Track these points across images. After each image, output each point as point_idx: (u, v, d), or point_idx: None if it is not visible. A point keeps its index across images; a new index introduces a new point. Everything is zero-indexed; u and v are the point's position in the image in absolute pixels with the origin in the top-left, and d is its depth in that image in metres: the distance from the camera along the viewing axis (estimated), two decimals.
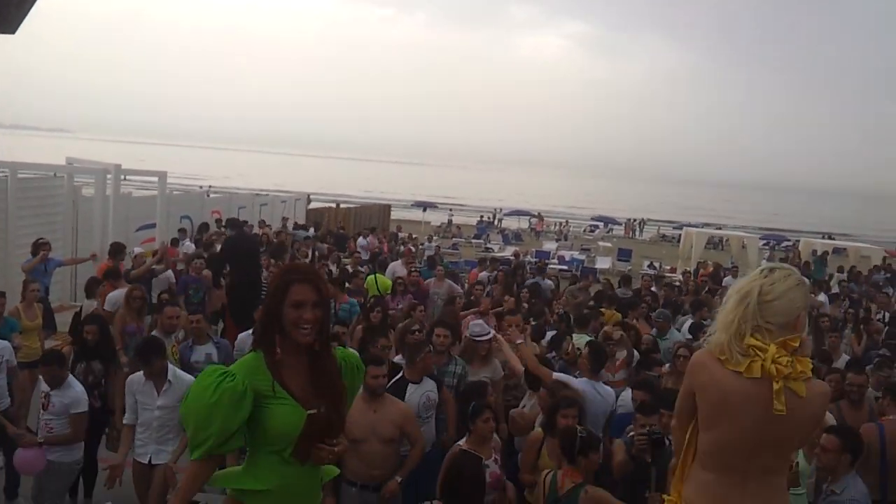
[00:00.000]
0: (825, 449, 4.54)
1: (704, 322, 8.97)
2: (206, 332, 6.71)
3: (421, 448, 5.15)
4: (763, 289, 2.45)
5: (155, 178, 15.71)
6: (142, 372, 5.35)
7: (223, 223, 15.62)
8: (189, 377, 5.42)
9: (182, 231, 15.02)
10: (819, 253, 25.89)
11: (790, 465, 2.64)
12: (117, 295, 8.38)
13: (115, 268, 9.34)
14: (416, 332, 6.82)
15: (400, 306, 9.49)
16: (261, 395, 2.67)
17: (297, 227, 22.30)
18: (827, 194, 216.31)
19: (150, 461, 5.29)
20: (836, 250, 30.18)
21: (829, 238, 36.69)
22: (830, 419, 5.44)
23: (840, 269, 22.25)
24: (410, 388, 5.70)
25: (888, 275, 22.65)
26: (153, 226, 14.61)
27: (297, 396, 2.69)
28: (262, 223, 19.70)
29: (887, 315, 12.16)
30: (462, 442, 4.88)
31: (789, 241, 38.21)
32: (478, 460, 4.27)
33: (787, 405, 2.37)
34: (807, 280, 2.65)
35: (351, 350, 3.06)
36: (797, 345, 2.42)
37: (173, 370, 5.43)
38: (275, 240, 14.93)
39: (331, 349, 2.84)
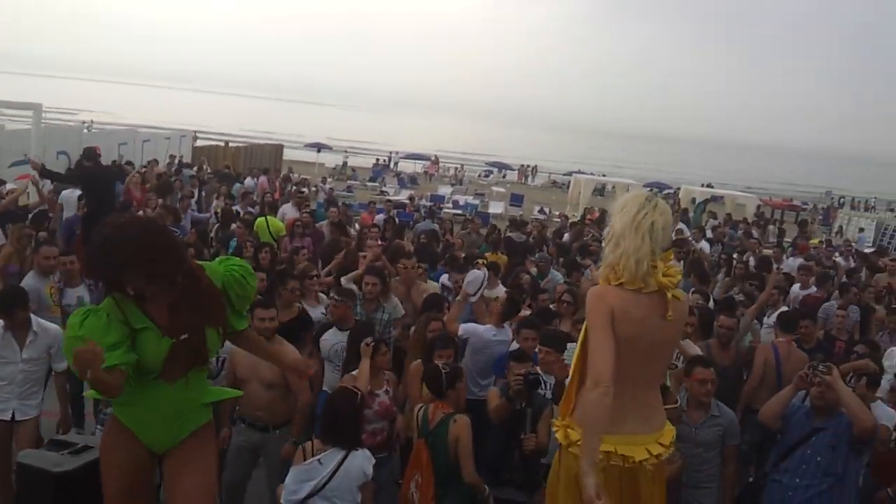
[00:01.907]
0: (705, 380, 4.67)
1: (581, 261, 9.37)
2: (79, 273, 6.38)
3: (305, 402, 5.07)
4: (663, 223, 2.86)
5: (29, 112, 14.75)
6: (0, 323, 4.92)
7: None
8: (55, 327, 5.15)
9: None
10: (697, 201, 27.24)
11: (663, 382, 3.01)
12: None
13: None
14: (315, 277, 6.83)
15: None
16: (132, 326, 2.91)
17: (182, 165, 21.45)
18: (719, 147, 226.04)
19: (12, 417, 4.91)
20: (714, 198, 31.86)
21: (709, 187, 38.56)
22: (697, 350, 5.76)
23: (713, 216, 23.53)
24: (331, 332, 5.78)
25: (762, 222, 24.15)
26: (27, 161, 13.72)
27: (162, 325, 2.93)
28: (153, 162, 18.83)
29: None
30: (354, 373, 4.97)
31: (670, 188, 40.00)
32: (354, 396, 4.33)
33: (673, 310, 2.87)
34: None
35: (232, 260, 3.25)
36: (672, 258, 2.92)
37: (37, 320, 5.06)
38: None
39: (196, 276, 2.96)
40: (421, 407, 4.65)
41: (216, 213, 12.57)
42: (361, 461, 4.18)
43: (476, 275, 6.15)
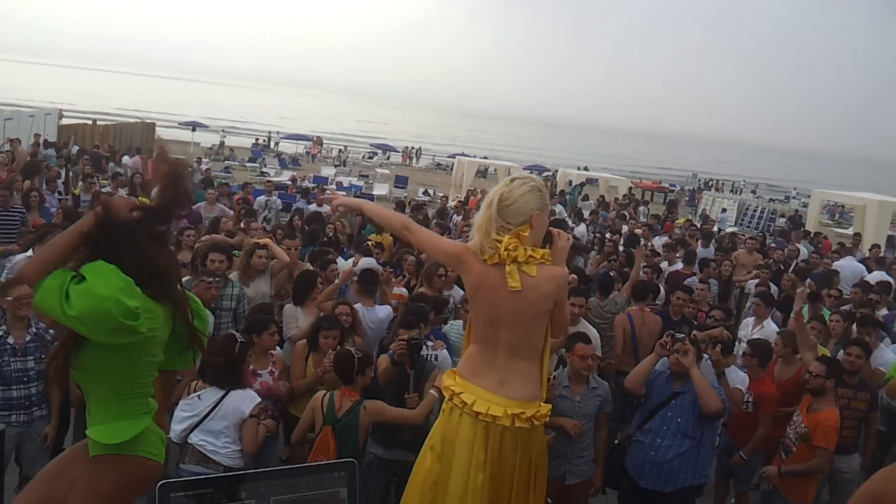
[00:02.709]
0: (586, 356, 4.91)
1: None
2: None
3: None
4: (503, 195, 2.97)
5: None
6: None
7: None
8: None
9: None
10: (574, 183, 28.25)
11: (540, 359, 3.10)
12: None
13: None
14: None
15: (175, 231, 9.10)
16: None
17: (47, 145, 20.21)
18: (594, 131, 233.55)
19: None
20: (589, 180, 33.12)
21: (584, 170, 40.04)
22: (591, 331, 6.09)
23: (586, 198, 24.51)
24: None
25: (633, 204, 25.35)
26: None
27: None
28: (16, 141, 17.60)
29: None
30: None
31: (549, 170, 41.25)
32: (232, 341, 4.46)
33: (521, 283, 2.94)
34: (544, 188, 3.14)
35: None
36: (527, 234, 2.96)
37: None
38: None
39: None
40: (325, 394, 4.63)
41: (74, 195, 12.02)
42: (238, 400, 4.30)
43: (370, 262, 6.33)
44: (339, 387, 4.75)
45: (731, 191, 46.40)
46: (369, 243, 8.66)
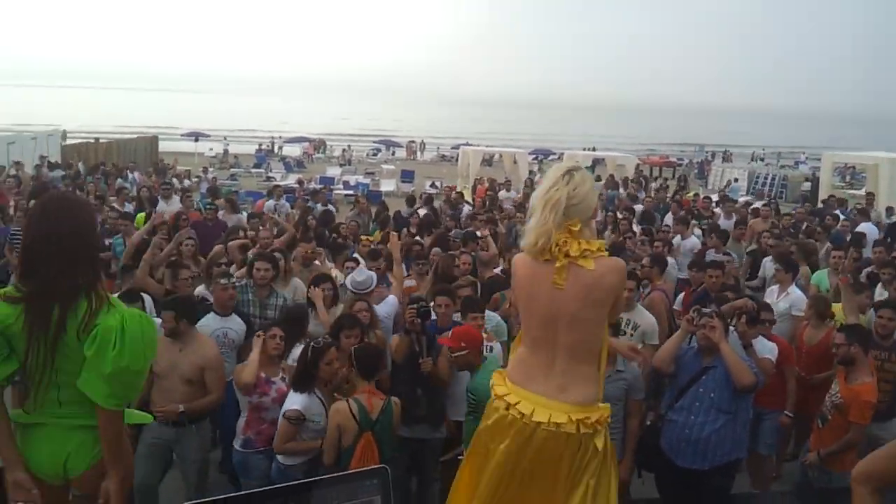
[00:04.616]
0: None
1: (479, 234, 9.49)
2: None
3: (215, 398, 4.97)
4: (569, 195, 2.81)
5: None
6: None
7: None
8: None
9: None
10: (582, 164, 28.01)
11: (597, 359, 2.94)
12: None
13: None
14: (223, 265, 6.73)
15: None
16: None
17: (51, 166, 20.24)
18: (597, 110, 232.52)
19: None
20: (596, 160, 32.90)
21: (592, 150, 39.82)
22: (648, 318, 6.09)
23: (598, 178, 24.31)
24: (209, 317, 5.64)
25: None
26: None
27: None
28: (19, 165, 17.72)
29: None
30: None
31: (555, 154, 41.03)
32: (306, 345, 4.71)
33: (574, 280, 2.80)
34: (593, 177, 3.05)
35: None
36: (577, 228, 2.81)
37: None
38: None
39: None
40: (347, 401, 4.45)
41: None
42: (287, 401, 4.60)
43: (366, 275, 6.28)
44: (351, 392, 4.63)
45: (751, 160, 45.99)
46: (366, 238, 8.68)
